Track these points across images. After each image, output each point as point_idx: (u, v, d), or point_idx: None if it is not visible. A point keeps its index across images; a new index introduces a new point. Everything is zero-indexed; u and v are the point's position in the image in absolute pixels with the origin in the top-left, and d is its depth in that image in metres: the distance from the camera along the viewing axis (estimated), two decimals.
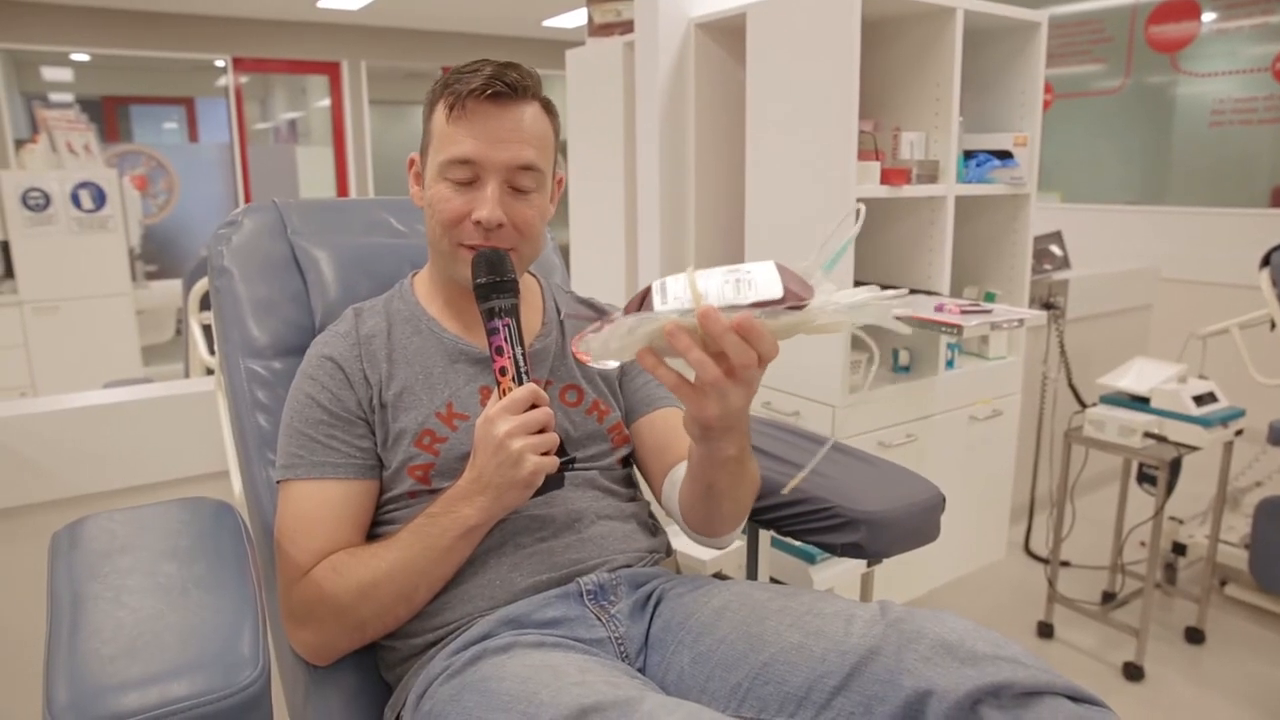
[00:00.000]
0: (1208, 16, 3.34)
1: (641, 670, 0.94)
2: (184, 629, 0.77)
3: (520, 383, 0.94)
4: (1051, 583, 2.36)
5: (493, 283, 0.98)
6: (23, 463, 1.53)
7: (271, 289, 1.24)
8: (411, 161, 1.10)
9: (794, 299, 0.78)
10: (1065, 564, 2.64)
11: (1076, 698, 0.73)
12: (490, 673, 0.85)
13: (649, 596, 1.00)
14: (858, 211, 0.85)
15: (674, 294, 0.79)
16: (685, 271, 0.81)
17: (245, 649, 0.74)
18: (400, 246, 1.33)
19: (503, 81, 0.98)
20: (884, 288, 0.82)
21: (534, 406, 0.92)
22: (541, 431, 0.91)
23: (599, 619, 0.96)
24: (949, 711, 0.72)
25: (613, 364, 0.84)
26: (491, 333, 0.97)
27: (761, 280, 0.79)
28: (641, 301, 0.80)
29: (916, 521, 1.14)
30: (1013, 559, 2.75)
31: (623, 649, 0.95)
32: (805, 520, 1.14)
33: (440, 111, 1.02)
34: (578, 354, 0.83)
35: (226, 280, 1.23)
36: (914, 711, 0.74)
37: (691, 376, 0.82)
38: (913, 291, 2.11)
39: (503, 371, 0.95)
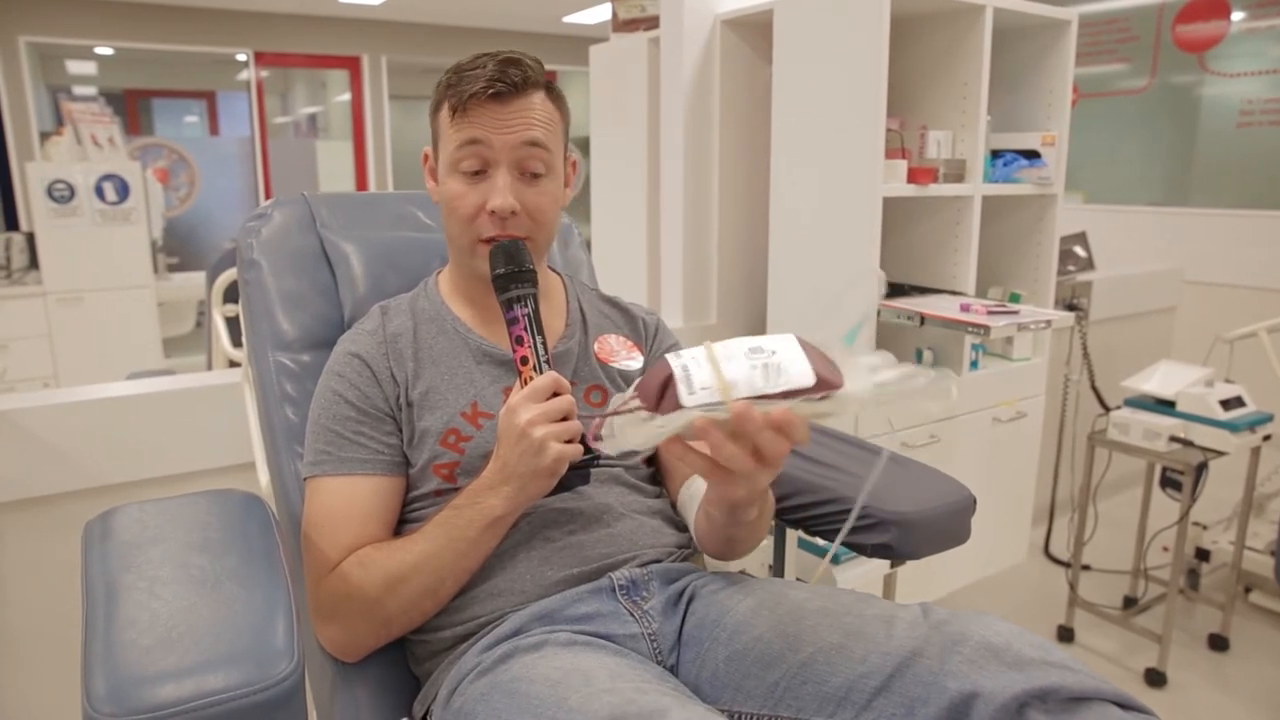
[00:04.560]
0: (1237, 15, 3.30)
1: (674, 668, 0.94)
2: (218, 621, 0.77)
3: (541, 372, 0.94)
4: (1073, 586, 2.34)
5: (511, 273, 0.99)
6: (50, 453, 1.54)
7: (300, 282, 1.24)
8: (426, 156, 1.11)
9: (825, 387, 0.74)
10: (1086, 568, 2.62)
11: (1124, 705, 0.72)
12: (521, 673, 0.84)
13: (681, 593, 0.99)
14: (878, 278, 0.84)
15: (700, 383, 0.74)
16: (702, 348, 0.77)
17: (279, 642, 0.75)
18: (428, 241, 1.33)
19: (503, 82, 0.99)
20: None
21: (556, 394, 0.92)
22: (565, 419, 0.91)
23: (632, 614, 0.95)
24: (995, 715, 0.71)
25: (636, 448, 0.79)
26: (511, 323, 0.97)
27: (789, 364, 0.75)
28: (663, 388, 0.75)
29: (947, 523, 1.13)
30: (1033, 562, 2.73)
31: (655, 646, 0.94)
32: (835, 520, 1.13)
33: (445, 112, 1.03)
34: (593, 445, 0.80)
35: (255, 273, 1.23)
36: (958, 714, 0.73)
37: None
38: (937, 291, 2.09)
39: (524, 361, 0.95)
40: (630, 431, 0.77)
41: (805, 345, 0.77)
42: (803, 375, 0.74)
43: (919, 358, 2.17)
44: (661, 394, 0.75)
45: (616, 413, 0.78)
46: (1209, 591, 2.52)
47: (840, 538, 0.95)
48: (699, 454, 0.79)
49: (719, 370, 0.75)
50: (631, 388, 0.80)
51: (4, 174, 5.61)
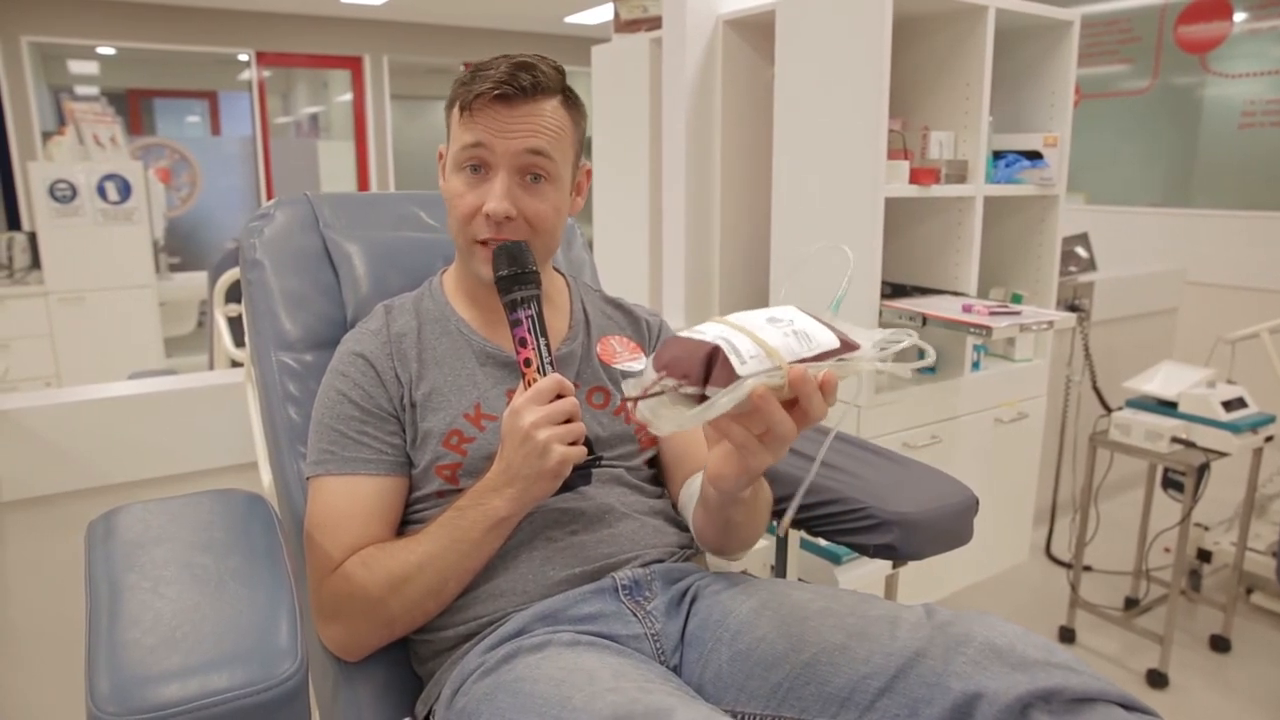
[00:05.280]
0: (1239, 16, 3.30)
1: (678, 668, 0.94)
2: (222, 621, 0.77)
3: (545, 374, 0.94)
4: (1074, 587, 2.34)
5: (514, 274, 0.98)
6: (53, 452, 1.54)
7: (303, 282, 1.24)
8: (440, 154, 1.10)
9: (848, 348, 0.77)
10: (1087, 568, 2.62)
11: (1129, 706, 0.72)
12: (524, 673, 0.84)
13: (684, 593, 0.99)
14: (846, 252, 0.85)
15: (747, 352, 0.74)
16: (715, 322, 0.77)
17: (283, 642, 0.75)
18: (431, 241, 1.33)
19: (512, 85, 0.98)
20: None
21: (560, 397, 0.92)
22: (568, 421, 0.91)
23: (635, 615, 0.95)
24: (999, 715, 0.71)
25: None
26: (514, 324, 0.97)
27: (813, 329, 0.77)
28: (708, 362, 0.74)
29: (950, 523, 1.13)
30: (1034, 563, 2.73)
31: (659, 645, 0.94)
32: (838, 521, 1.13)
33: (455, 110, 1.03)
34: (642, 427, 0.79)
35: (258, 272, 1.24)
36: (961, 714, 0.73)
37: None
38: (939, 292, 2.09)
39: (527, 363, 0.95)
40: (670, 413, 0.76)
41: (807, 313, 0.80)
42: (829, 339, 0.77)
43: (920, 356, 2.17)
44: (708, 369, 0.74)
45: (647, 395, 0.76)
46: (1210, 593, 2.52)
47: (789, 515, 0.92)
48: (741, 429, 0.79)
49: (759, 338, 0.75)
50: (650, 368, 0.78)
51: (6, 173, 5.62)
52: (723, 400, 0.73)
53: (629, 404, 0.78)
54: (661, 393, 0.76)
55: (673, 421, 0.75)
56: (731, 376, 0.73)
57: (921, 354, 0.82)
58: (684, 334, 0.78)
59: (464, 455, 1.01)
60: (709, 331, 0.77)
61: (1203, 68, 3.43)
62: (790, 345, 0.76)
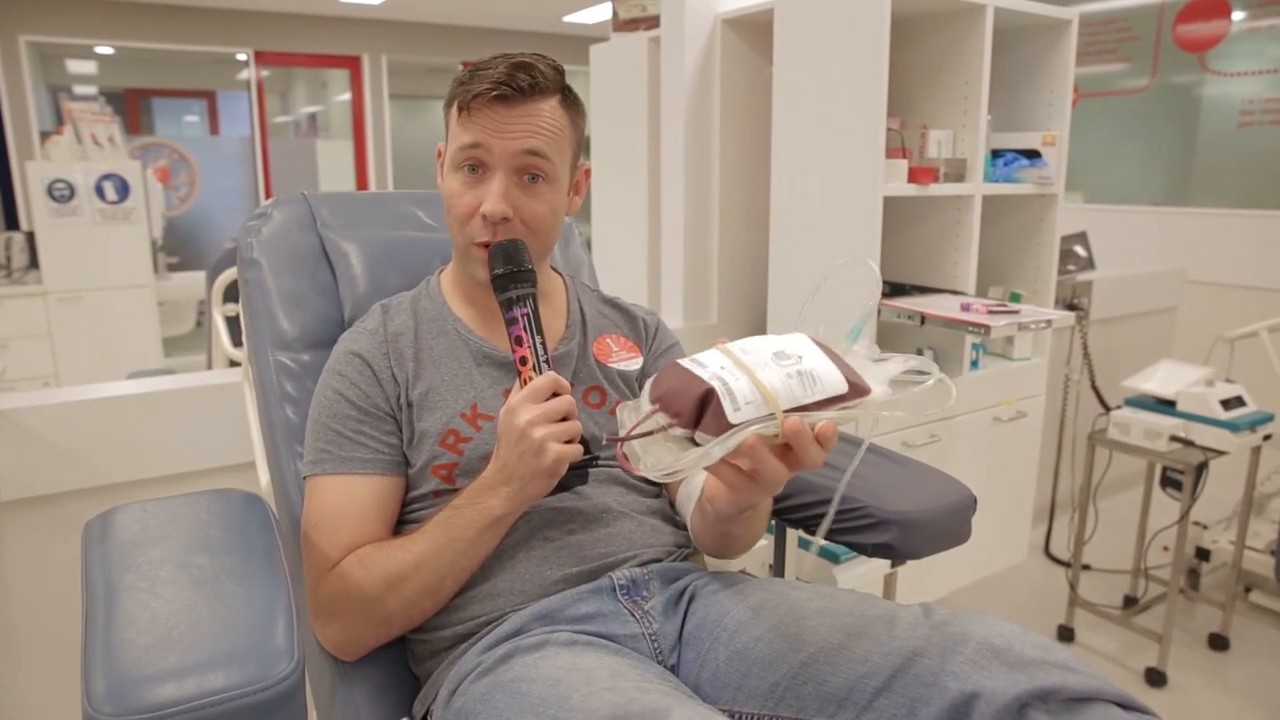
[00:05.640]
0: (1237, 15, 3.30)
1: (675, 668, 0.94)
2: (218, 621, 0.77)
3: (540, 372, 0.94)
4: (1073, 586, 2.34)
5: (510, 273, 0.98)
6: (51, 452, 1.54)
7: (301, 281, 1.24)
8: (439, 152, 1.10)
9: (856, 394, 0.74)
10: (1086, 567, 2.62)
11: (1126, 705, 0.72)
12: (522, 673, 0.84)
13: (682, 593, 0.99)
14: (872, 270, 0.82)
15: (743, 396, 0.71)
16: (717, 351, 0.76)
17: (280, 642, 0.75)
18: (429, 240, 1.33)
19: (510, 86, 0.98)
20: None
21: (556, 395, 0.92)
22: (565, 419, 0.91)
23: (633, 615, 0.95)
24: (996, 715, 0.71)
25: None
26: (510, 323, 0.97)
27: (821, 370, 0.74)
28: (701, 405, 0.72)
29: (948, 523, 1.13)
30: (1033, 561, 2.73)
31: (656, 645, 0.94)
32: (836, 520, 1.13)
33: (454, 109, 1.03)
34: (625, 466, 0.76)
35: (256, 272, 1.23)
36: (959, 714, 0.73)
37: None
38: (938, 291, 2.09)
39: (523, 361, 0.95)
40: (659, 450, 0.74)
41: (821, 346, 0.77)
42: (836, 383, 0.74)
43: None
44: (700, 412, 0.72)
45: (634, 434, 0.75)
46: (1209, 591, 2.52)
47: (824, 527, 0.93)
48: (732, 468, 0.78)
49: (758, 381, 0.72)
50: (645, 400, 0.76)
51: (4, 173, 5.61)
52: (714, 451, 0.71)
53: (619, 444, 0.76)
54: (651, 431, 0.74)
55: (657, 468, 0.73)
56: (723, 425, 0.71)
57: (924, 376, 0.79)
58: (684, 362, 0.77)
59: (460, 455, 1.01)
60: (710, 365, 0.75)
61: (1201, 66, 3.43)
62: (791, 389, 0.73)
